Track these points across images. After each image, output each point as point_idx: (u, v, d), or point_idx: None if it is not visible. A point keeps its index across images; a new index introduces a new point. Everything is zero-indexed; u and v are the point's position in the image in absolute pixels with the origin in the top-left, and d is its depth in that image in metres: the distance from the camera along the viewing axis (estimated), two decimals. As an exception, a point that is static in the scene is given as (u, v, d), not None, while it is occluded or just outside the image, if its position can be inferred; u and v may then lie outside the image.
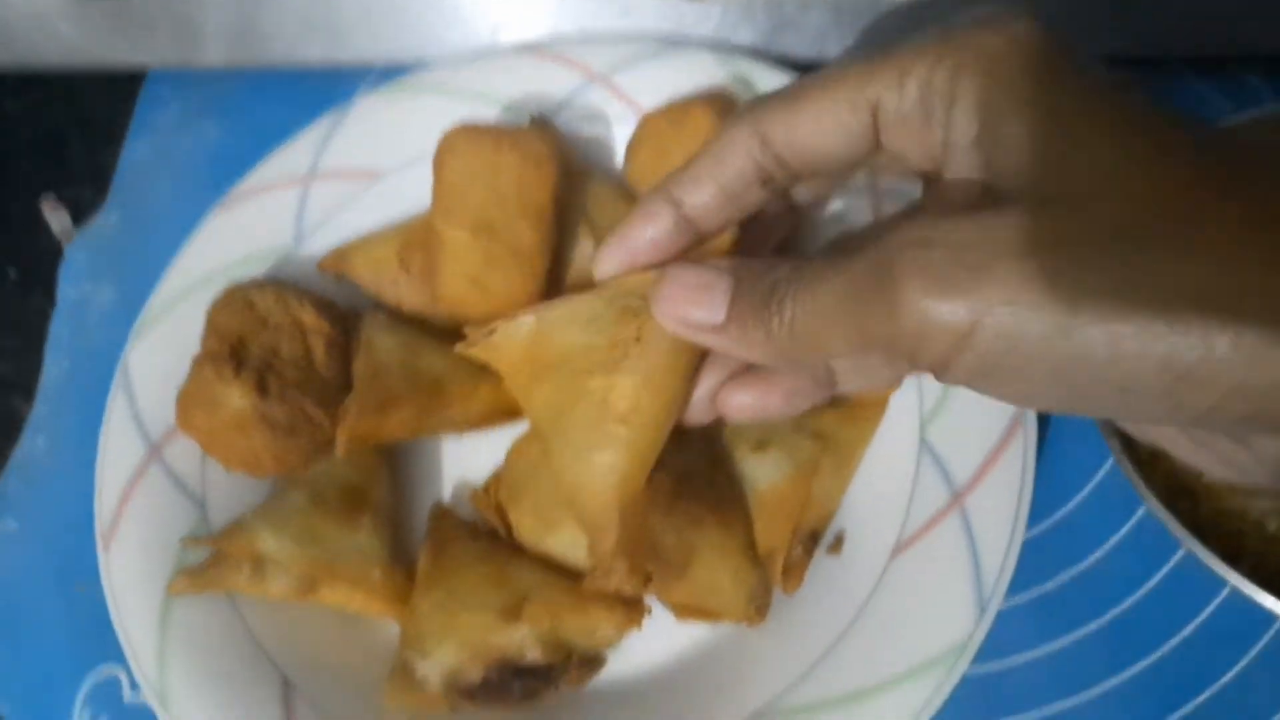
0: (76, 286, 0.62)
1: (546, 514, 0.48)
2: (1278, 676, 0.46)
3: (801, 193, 0.38)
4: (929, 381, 0.48)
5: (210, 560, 0.48)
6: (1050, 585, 0.48)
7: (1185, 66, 0.59)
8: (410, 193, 0.56)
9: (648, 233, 0.33)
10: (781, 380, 0.35)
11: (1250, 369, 0.23)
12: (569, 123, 0.58)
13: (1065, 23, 0.57)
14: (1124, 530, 0.49)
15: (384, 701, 0.45)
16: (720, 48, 0.58)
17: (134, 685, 0.51)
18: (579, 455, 0.38)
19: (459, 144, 0.50)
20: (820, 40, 0.60)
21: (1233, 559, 0.42)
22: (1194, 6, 0.56)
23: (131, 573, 0.49)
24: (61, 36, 0.63)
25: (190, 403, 0.49)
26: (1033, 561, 0.47)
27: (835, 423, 0.49)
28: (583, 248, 0.53)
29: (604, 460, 0.38)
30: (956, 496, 0.46)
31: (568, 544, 0.48)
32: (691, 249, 0.33)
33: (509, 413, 0.52)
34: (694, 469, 0.47)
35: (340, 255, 0.56)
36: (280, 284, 0.53)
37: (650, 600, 0.47)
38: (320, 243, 0.57)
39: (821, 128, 0.31)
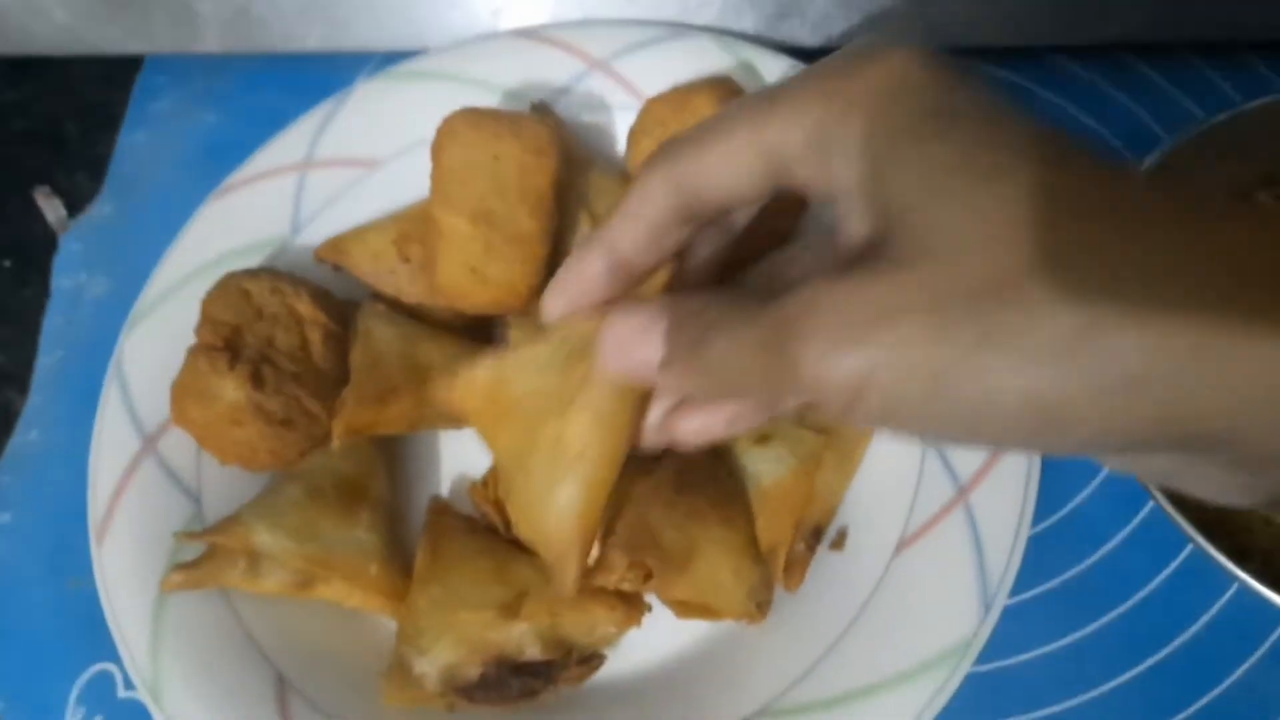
0: (71, 276, 0.62)
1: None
2: (1286, 674, 0.45)
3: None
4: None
5: (205, 555, 0.47)
6: (1056, 582, 0.48)
7: (1193, 52, 0.59)
8: (408, 181, 0.55)
9: (585, 278, 0.34)
10: (724, 405, 0.36)
11: (1107, 412, 0.25)
12: (570, 109, 0.57)
13: (1072, 11, 0.56)
14: (1131, 526, 0.48)
15: (381, 699, 0.44)
16: (723, 34, 0.57)
17: (128, 682, 0.50)
18: (540, 495, 0.40)
19: (459, 130, 0.49)
20: (823, 25, 0.59)
21: (1241, 555, 0.42)
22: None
23: (125, 568, 0.48)
24: (56, 22, 0.62)
25: (185, 395, 0.49)
26: (1038, 558, 0.47)
27: (839, 417, 0.48)
28: (583, 236, 0.52)
29: (562, 497, 0.40)
30: (961, 492, 0.45)
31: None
32: (631, 288, 0.35)
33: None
34: (695, 462, 0.46)
35: (337, 245, 0.55)
36: (276, 274, 0.52)
37: (650, 598, 0.46)
38: (317, 232, 0.56)
39: (728, 170, 0.31)
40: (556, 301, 0.36)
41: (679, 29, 0.58)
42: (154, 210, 0.62)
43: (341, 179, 0.57)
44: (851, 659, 0.44)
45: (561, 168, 0.50)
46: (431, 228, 0.50)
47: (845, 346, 0.26)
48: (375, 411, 0.48)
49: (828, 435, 0.47)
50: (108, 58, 0.66)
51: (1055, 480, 0.49)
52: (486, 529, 0.49)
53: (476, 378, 0.41)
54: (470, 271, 0.50)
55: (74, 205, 0.64)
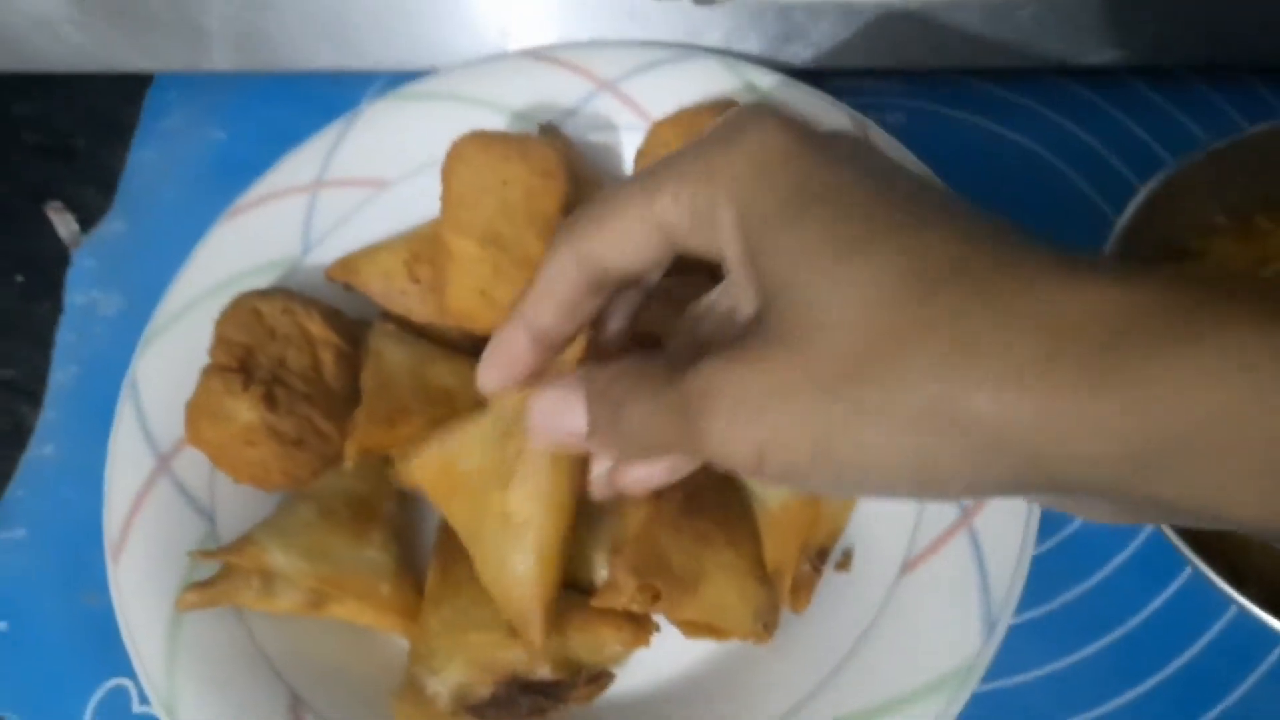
0: (84, 293, 0.62)
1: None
2: (1283, 696, 0.46)
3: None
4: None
5: (219, 574, 0.48)
6: (1056, 603, 0.48)
7: (1195, 75, 0.59)
8: (418, 201, 0.56)
9: (510, 352, 0.36)
10: (661, 459, 0.37)
11: (975, 470, 0.26)
12: (578, 130, 0.58)
13: (1075, 33, 0.57)
14: (1130, 548, 0.49)
15: (393, 717, 0.45)
16: (729, 56, 0.58)
17: (143, 698, 0.51)
18: (496, 564, 0.44)
19: (467, 153, 0.50)
20: (827, 48, 0.59)
21: (1239, 579, 0.42)
22: (1205, 16, 0.56)
23: (140, 586, 0.49)
24: (68, 40, 0.63)
25: (199, 416, 0.49)
26: (1038, 579, 0.47)
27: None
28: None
29: (517, 566, 0.43)
30: (965, 515, 0.46)
31: (575, 560, 0.48)
32: (554, 355, 0.37)
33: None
34: (702, 485, 0.47)
35: (348, 264, 0.55)
36: (288, 294, 0.53)
37: (658, 617, 0.47)
38: (328, 252, 0.57)
39: (626, 243, 0.33)
40: (489, 375, 0.37)
41: (686, 50, 0.58)
42: (165, 227, 0.63)
43: (352, 199, 0.58)
44: (856, 680, 0.44)
45: (570, 190, 0.50)
46: (441, 250, 0.51)
47: (740, 426, 0.29)
48: (387, 432, 0.49)
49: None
50: (119, 75, 0.66)
51: (1056, 502, 0.49)
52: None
53: (428, 456, 0.45)
54: (479, 294, 0.50)
55: (84, 220, 0.65)
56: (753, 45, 0.59)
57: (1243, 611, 0.42)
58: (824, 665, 0.45)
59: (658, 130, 0.54)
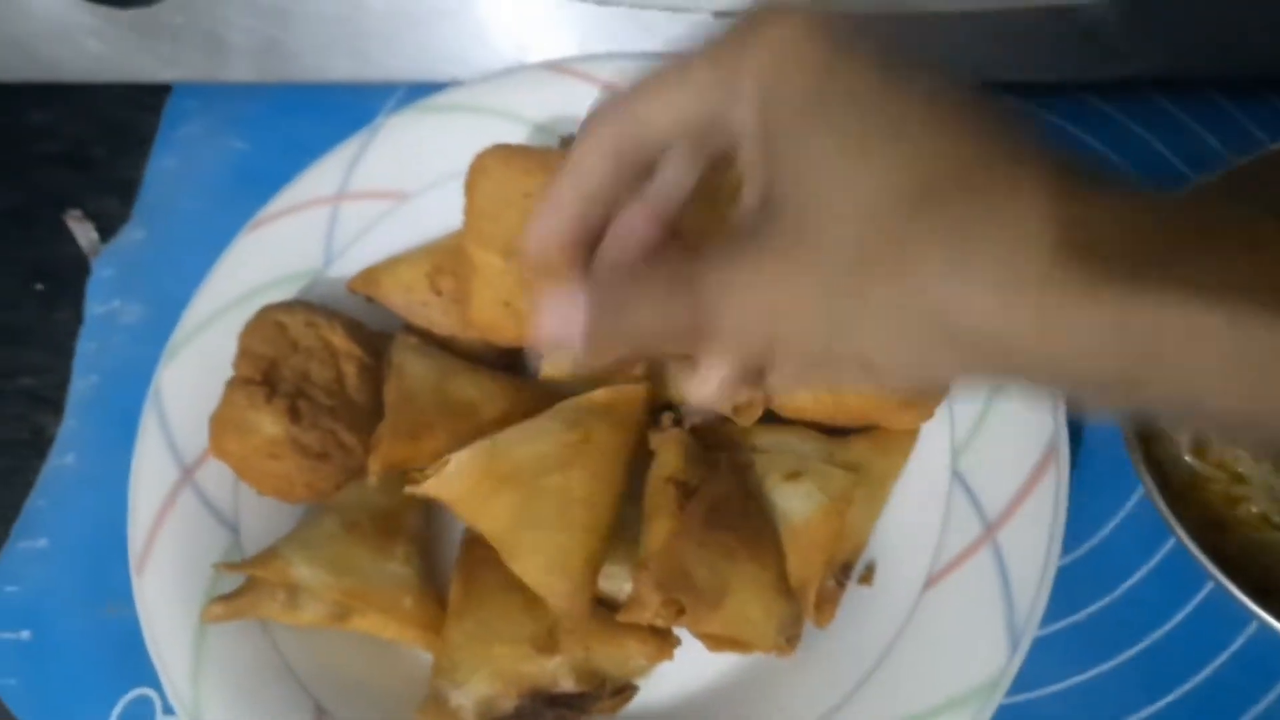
0: (104, 303, 0.62)
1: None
2: (1306, 710, 0.46)
3: None
4: (960, 412, 0.48)
5: (244, 587, 0.48)
6: (1079, 616, 0.48)
7: (1216, 89, 0.59)
8: (440, 213, 0.56)
9: (558, 204, 0.35)
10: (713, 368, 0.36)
11: (967, 369, 0.30)
12: (597, 142, 0.58)
13: (1097, 46, 0.57)
14: (1154, 561, 0.49)
15: (417, 730, 0.46)
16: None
17: (167, 707, 0.51)
18: (541, 545, 0.45)
19: (490, 166, 0.50)
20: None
21: (1262, 592, 0.42)
22: (1224, 30, 0.56)
23: (165, 598, 0.49)
24: (88, 51, 0.63)
25: (222, 428, 0.50)
26: (1062, 591, 0.47)
27: (867, 453, 0.49)
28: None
29: (568, 544, 0.45)
30: (989, 529, 0.46)
31: (601, 575, 0.48)
32: (590, 236, 0.35)
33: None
34: (726, 499, 0.47)
35: (370, 277, 0.56)
36: (310, 306, 0.53)
37: (681, 630, 0.47)
38: (350, 264, 0.57)
39: (665, 101, 0.33)
40: (534, 229, 0.36)
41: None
42: (184, 237, 0.63)
43: (373, 211, 0.58)
44: (881, 694, 0.44)
45: (591, 202, 0.51)
46: (465, 263, 0.51)
47: (754, 311, 0.30)
48: (410, 446, 0.49)
49: (857, 473, 0.48)
50: (138, 85, 0.66)
51: (1079, 515, 0.49)
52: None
53: (474, 454, 0.46)
54: (503, 306, 0.51)
55: (103, 229, 0.65)
56: (772, 57, 0.59)
57: (1264, 626, 0.42)
58: (848, 680, 0.45)
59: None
